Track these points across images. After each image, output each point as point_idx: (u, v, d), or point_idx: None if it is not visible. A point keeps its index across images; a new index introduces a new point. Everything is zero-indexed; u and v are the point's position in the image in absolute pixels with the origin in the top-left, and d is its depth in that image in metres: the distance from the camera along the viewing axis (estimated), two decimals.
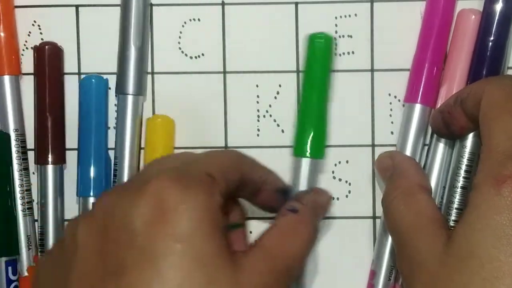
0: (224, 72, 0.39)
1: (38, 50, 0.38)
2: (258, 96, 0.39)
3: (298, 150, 0.37)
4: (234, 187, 0.31)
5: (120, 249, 0.27)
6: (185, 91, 0.39)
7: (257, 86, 0.39)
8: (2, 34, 0.38)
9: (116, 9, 0.39)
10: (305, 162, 0.37)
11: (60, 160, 0.38)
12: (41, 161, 0.38)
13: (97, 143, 0.38)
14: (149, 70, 0.39)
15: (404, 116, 0.37)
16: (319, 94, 0.37)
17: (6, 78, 0.38)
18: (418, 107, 0.37)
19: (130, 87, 0.38)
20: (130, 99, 0.38)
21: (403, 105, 0.38)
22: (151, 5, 0.39)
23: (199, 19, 0.39)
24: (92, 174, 0.38)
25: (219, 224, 0.28)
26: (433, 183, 0.37)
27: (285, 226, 0.32)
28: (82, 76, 0.39)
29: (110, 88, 0.39)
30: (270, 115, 0.39)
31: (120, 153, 0.38)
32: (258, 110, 0.39)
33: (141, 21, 0.37)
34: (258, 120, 0.39)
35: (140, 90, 0.38)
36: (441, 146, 0.37)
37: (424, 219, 0.31)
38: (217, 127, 0.39)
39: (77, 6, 0.39)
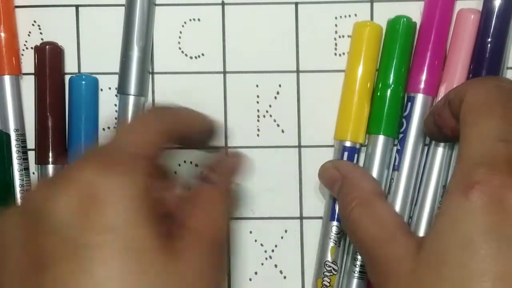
0: (224, 72, 0.39)
1: (39, 50, 0.38)
2: (258, 96, 0.39)
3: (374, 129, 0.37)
4: (160, 153, 0.30)
5: (46, 241, 0.26)
6: (185, 91, 0.39)
7: (257, 86, 0.39)
8: (3, 34, 0.38)
9: (116, 9, 0.39)
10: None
11: (60, 160, 0.38)
12: (41, 161, 0.38)
13: (87, 143, 0.38)
14: (149, 70, 0.39)
15: (407, 108, 0.37)
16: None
17: (7, 78, 0.38)
18: (420, 97, 0.37)
19: (132, 87, 0.38)
20: (131, 99, 0.38)
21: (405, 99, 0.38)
22: None
23: (199, 19, 0.39)
24: None
25: (148, 207, 0.27)
26: (433, 182, 0.37)
27: (206, 201, 0.31)
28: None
29: (102, 90, 0.39)
30: (270, 115, 0.39)
31: None
32: (258, 110, 0.39)
33: (145, 22, 0.37)
34: (258, 120, 0.39)
35: (142, 91, 0.38)
36: (440, 145, 0.37)
37: (389, 229, 0.31)
38: None
39: (77, 6, 0.39)
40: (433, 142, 0.37)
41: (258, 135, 0.39)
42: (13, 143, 0.38)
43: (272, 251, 0.39)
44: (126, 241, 0.26)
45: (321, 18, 0.38)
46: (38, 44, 0.38)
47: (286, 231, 0.39)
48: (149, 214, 0.27)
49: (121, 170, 0.27)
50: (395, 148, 0.37)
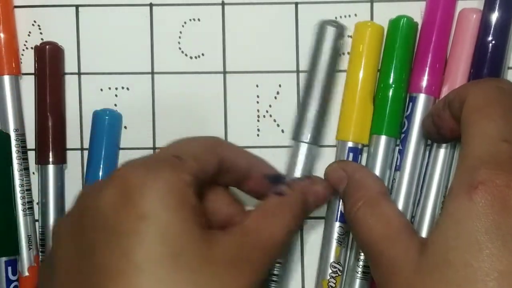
0: (224, 72, 0.39)
1: (39, 50, 0.38)
2: (258, 96, 0.39)
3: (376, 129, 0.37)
4: (211, 169, 0.31)
5: (91, 233, 0.28)
6: (185, 91, 0.39)
7: (257, 86, 0.39)
8: (2, 35, 0.38)
9: (116, 9, 0.39)
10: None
11: (61, 160, 0.38)
12: (42, 161, 0.38)
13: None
14: (149, 70, 0.39)
15: (409, 108, 0.37)
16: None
17: (6, 78, 0.38)
18: (422, 97, 0.37)
19: (308, 136, 0.36)
20: (304, 146, 0.37)
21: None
22: (151, 5, 0.39)
23: (199, 19, 0.39)
24: None
25: (187, 200, 0.28)
26: (435, 182, 0.36)
27: (267, 207, 0.32)
28: (82, 76, 0.39)
29: (101, 90, 0.39)
30: (270, 115, 0.39)
31: None
32: (258, 110, 0.39)
33: (323, 87, 0.36)
34: (258, 120, 0.39)
35: (317, 141, 0.37)
36: (443, 145, 0.36)
37: (394, 229, 0.31)
38: (217, 127, 0.39)
39: (77, 6, 0.39)
40: (436, 144, 0.37)
41: (258, 135, 0.39)
42: (13, 143, 0.38)
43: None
44: (161, 227, 0.27)
45: (321, 18, 0.38)
46: (38, 44, 0.38)
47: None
48: (185, 204, 0.28)
49: (160, 166, 0.29)
50: (397, 149, 0.37)
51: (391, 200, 0.34)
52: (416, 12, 0.38)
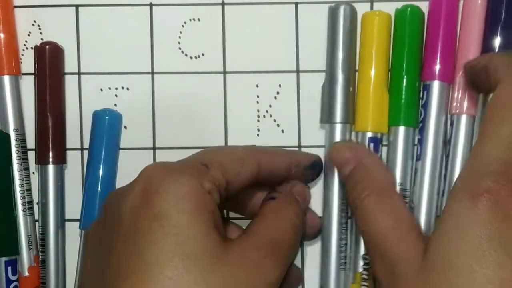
0: (224, 72, 0.39)
1: (39, 50, 0.38)
2: (258, 96, 0.39)
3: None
4: (244, 180, 0.32)
5: (111, 233, 0.29)
6: (185, 91, 0.39)
7: (257, 86, 0.39)
8: (2, 35, 0.38)
9: (116, 9, 0.39)
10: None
11: (61, 160, 0.38)
12: (42, 161, 0.38)
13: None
14: (149, 70, 0.39)
15: (424, 96, 0.37)
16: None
17: (6, 78, 0.38)
18: (436, 84, 0.37)
19: (338, 115, 0.37)
20: (338, 127, 0.37)
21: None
22: (151, 5, 0.39)
23: (199, 19, 0.39)
24: None
25: (204, 205, 0.29)
26: (458, 170, 0.36)
27: (267, 211, 0.33)
28: (82, 76, 0.39)
29: (101, 90, 0.39)
30: (270, 115, 0.39)
31: None
32: (258, 110, 0.39)
33: (348, 55, 0.37)
34: (258, 120, 0.39)
35: (348, 118, 0.37)
36: (463, 132, 0.36)
37: (404, 225, 0.31)
38: (217, 127, 0.39)
39: (77, 6, 0.39)
40: (455, 130, 0.37)
41: (258, 135, 0.39)
42: (13, 143, 0.38)
43: None
44: (175, 228, 0.28)
45: (321, 18, 0.38)
46: (38, 44, 0.38)
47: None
48: (202, 209, 0.29)
49: (183, 172, 0.30)
50: (416, 139, 0.37)
51: (400, 195, 0.34)
52: (420, 3, 0.37)
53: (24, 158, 0.38)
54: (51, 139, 0.38)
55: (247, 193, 0.35)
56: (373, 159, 0.35)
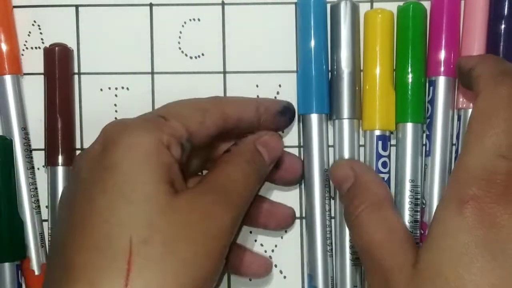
0: (224, 72, 0.39)
1: (48, 52, 0.38)
2: (258, 96, 0.39)
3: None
4: (208, 130, 0.33)
5: (74, 186, 0.31)
6: (185, 91, 0.39)
7: (257, 86, 0.39)
8: (2, 35, 0.38)
9: (116, 9, 0.39)
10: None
11: (70, 161, 0.38)
12: (51, 162, 0.38)
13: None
14: (149, 70, 0.39)
15: (430, 92, 0.37)
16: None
17: (8, 78, 0.38)
18: (441, 79, 0.37)
19: (345, 111, 0.37)
20: (346, 123, 0.37)
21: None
22: (151, 5, 0.39)
23: (199, 19, 0.39)
24: None
25: (158, 157, 0.30)
26: None
27: (220, 161, 0.33)
28: (82, 76, 0.39)
29: (101, 90, 0.39)
30: None
31: None
32: None
33: (351, 46, 0.37)
34: None
35: (354, 114, 0.37)
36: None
37: (397, 238, 0.32)
38: None
39: (77, 6, 0.39)
40: (462, 124, 0.37)
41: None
42: (20, 141, 0.38)
43: (272, 251, 0.39)
44: (124, 176, 0.29)
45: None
46: (48, 46, 0.38)
47: (286, 231, 0.39)
48: (155, 159, 0.30)
49: (139, 125, 0.31)
50: (425, 135, 0.37)
51: (396, 208, 0.35)
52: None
53: (31, 157, 0.38)
54: (60, 140, 0.38)
55: (219, 147, 0.36)
56: (371, 176, 0.36)
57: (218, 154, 0.35)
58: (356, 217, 0.33)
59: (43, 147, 0.39)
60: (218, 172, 0.32)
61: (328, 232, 0.38)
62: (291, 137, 0.39)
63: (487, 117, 0.30)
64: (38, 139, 0.39)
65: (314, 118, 0.37)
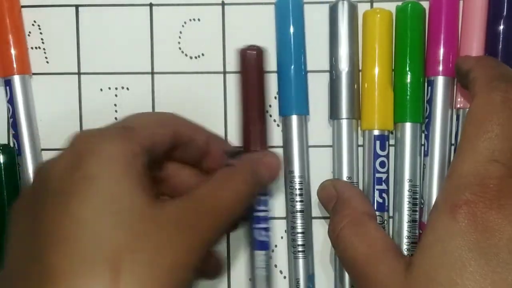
0: (224, 72, 0.39)
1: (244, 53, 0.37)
2: None
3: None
4: (164, 142, 0.32)
5: (39, 198, 0.29)
6: (185, 91, 0.39)
7: None
8: (11, 35, 0.38)
9: (116, 9, 0.39)
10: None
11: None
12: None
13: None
14: (149, 70, 0.39)
15: (429, 92, 0.37)
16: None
17: (17, 78, 0.38)
18: (440, 79, 0.37)
19: (344, 111, 0.37)
20: (344, 123, 0.37)
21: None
22: (151, 5, 0.39)
23: (199, 19, 0.39)
24: None
25: (132, 168, 0.29)
26: None
27: (218, 177, 0.33)
28: (82, 76, 0.39)
29: (101, 90, 0.39)
30: (270, 115, 0.39)
31: None
32: None
33: (351, 46, 0.37)
34: None
35: (353, 114, 0.37)
36: None
37: (378, 250, 0.32)
38: (217, 127, 0.39)
39: (77, 6, 0.39)
40: (461, 124, 0.37)
41: None
42: (30, 142, 0.38)
43: (272, 251, 0.39)
44: (104, 187, 0.28)
45: (321, 18, 0.38)
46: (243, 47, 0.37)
47: (286, 231, 0.39)
48: (132, 170, 0.29)
49: (110, 135, 0.30)
50: (423, 135, 0.37)
51: (377, 222, 0.35)
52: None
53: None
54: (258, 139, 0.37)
55: (176, 171, 0.35)
56: (352, 192, 0.36)
57: (164, 175, 0.35)
58: (338, 233, 0.33)
59: (51, 147, 0.39)
60: (210, 189, 0.32)
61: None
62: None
63: (481, 122, 0.30)
64: (46, 139, 0.39)
65: (294, 119, 0.38)
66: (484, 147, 0.29)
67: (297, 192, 0.38)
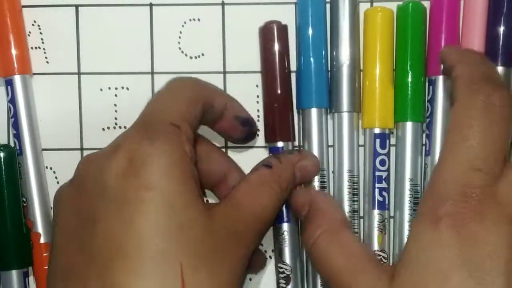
0: (224, 72, 0.39)
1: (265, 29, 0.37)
2: (258, 96, 0.39)
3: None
4: (198, 120, 0.32)
5: (93, 200, 0.29)
6: None
7: (257, 86, 0.39)
8: (11, 35, 0.38)
9: (116, 9, 0.39)
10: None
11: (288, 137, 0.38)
12: (270, 139, 0.38)
13: None
14: (149, 70, 0.39)
15: (430, 91, 0.37)
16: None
17: (18, 78, 0.38)
18: (441, 79, 0.37)
19: (345, 104, 0.37)
20: (345, 116, 0.37)
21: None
22: (151, 5, 0.39)
23: (199, 19, 0.39)
24: None
25: (190, 172, 0.29)
26: None
27: (255, 180, 0.33)
28: (82, 76, 0.39)
29: (101, 90, 0.39)
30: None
31: None
32: (258, 110, 0.39)
33: (352, 41, 0.37)
34: (258, 120, 0.39)
35: (354, 107, 0.37)
36: None
37: (358, 260, 0.31)
38: None
39: (77, 6, 0.39)
40: None
41: (258, 135, 0.39)
42: (31, 142, 0.38)
43: (272, 251, 0.39)
44: (166, 198, 0.28)
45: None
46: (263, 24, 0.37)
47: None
48: (189, 176, 0.29)
49: (163, 139, 0.29)
50: (424, 134, 0.37)
51: (352, 231, 0.35)
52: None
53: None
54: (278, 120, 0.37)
55: (206, 154, 0.36)
56: (325, 200, 0.35)
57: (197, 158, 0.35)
58: (313, 243, 0.33)
59: (51, 147, 0.39)
60: (251, 195, 0.32)
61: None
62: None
63: (461, 128, 0.30)
64: (47, 139, 0.39)
65: (314, 112, 0.37)
66: (465, 155, 0.29)
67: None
